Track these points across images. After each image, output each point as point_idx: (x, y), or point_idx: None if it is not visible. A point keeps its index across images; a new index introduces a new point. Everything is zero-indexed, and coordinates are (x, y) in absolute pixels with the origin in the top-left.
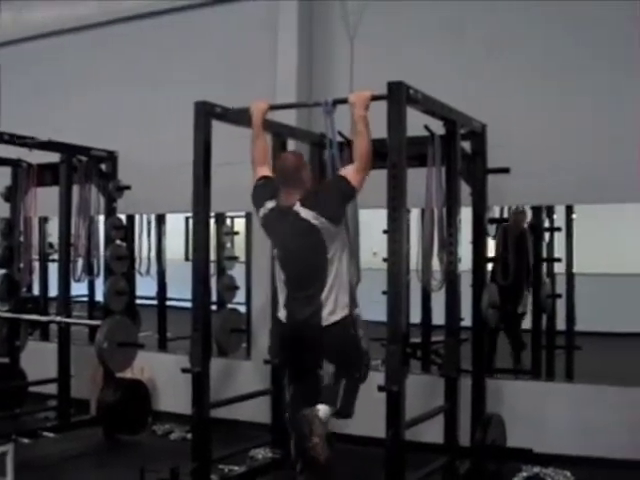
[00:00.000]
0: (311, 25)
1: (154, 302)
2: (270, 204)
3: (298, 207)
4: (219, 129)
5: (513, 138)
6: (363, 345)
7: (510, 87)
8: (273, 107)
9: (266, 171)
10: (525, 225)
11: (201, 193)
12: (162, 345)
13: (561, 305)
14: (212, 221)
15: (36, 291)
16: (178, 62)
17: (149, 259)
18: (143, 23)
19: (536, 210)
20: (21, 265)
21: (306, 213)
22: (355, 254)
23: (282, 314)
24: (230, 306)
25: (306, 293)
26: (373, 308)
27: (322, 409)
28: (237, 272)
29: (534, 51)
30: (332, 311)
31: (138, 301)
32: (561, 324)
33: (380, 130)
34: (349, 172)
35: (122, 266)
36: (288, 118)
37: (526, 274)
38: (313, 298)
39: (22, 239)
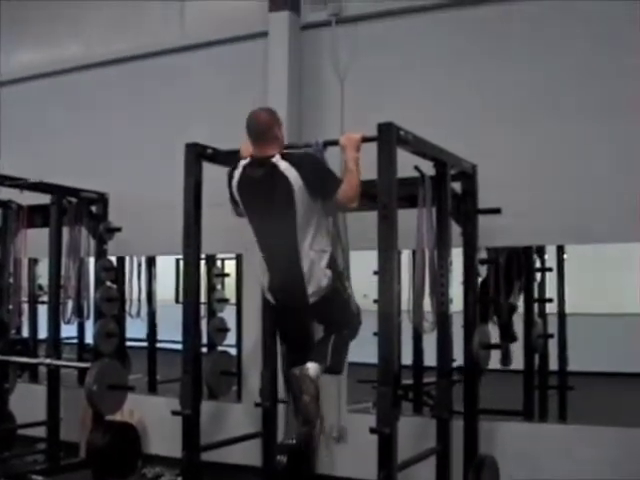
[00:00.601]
0: (301, 67)
1: (144, 344)
2: (243, 162)
3: (278, 159)
4: (210, 170)
5: (503, 178)
6: (352, 307)
7: (500, 128)
8: None
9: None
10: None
11: (192, 234)
12: (152, 388)
13: (553, 345)
14: (203, 263)
15: (25, 333)
16: (167, 104)
17: (139, 301)
18: (131, 65)
19: (527, 250)
20: (10, 307)
21: (285, 167)
22: (346, 255)
23: (269, 296)
24: (221, 348)
25: (284, 270)
26: (364, 350)
27: (312, 367)
28: (228, 314)
29: (522, 94)
30: (316, 287)
31: (128, 343)
32: (553, 364)
33: (370, 171)
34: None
35: (112, 308)
36: None
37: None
38: (293, 276)
39: (12, 280)
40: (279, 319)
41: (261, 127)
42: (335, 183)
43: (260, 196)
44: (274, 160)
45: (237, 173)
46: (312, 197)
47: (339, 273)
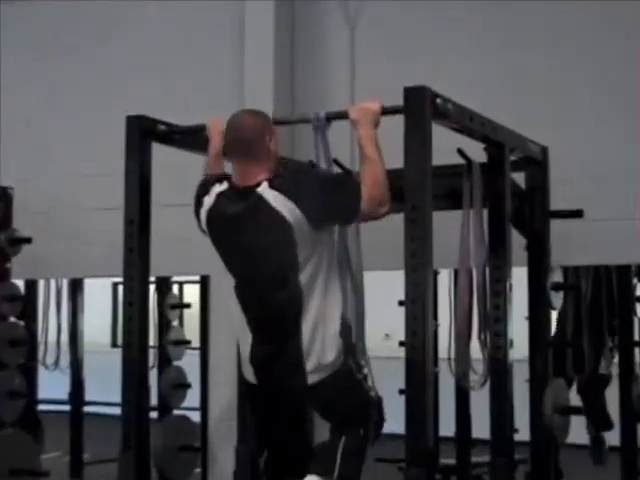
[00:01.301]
0: (293, 7)
1: (65, 407)
2: (217, 188)
3: (265, 189)
4: (162, 154)
5: (587, 168)
6: (369, 391)
7: (580, 96)
8: None
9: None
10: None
11: (136, 248)
12: (76, 472)
13: None
14: (152, 289)
15: None
16: (102, 61)
17: (59, 345)
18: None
19: (624, 271)
20: None
21: (276, 198)
22: (359, 289)
23: (248, 372)
24: (178, 412)
25: (275, 336)
26: (385, 414)
27: None
28: (188, 363)
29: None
30: (319, 363)
31: (42, 406)
32: None
33: (393, 158)
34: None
35: (17, 355)
36: None
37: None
38: (287, 344)
39: None
40: (260, 410)
41: (245, 138)
42: (353, 198)
43: (240, 240)
44: (260, 190)
45: (207, 201)
46: (319, 230)
47: (351, 344)
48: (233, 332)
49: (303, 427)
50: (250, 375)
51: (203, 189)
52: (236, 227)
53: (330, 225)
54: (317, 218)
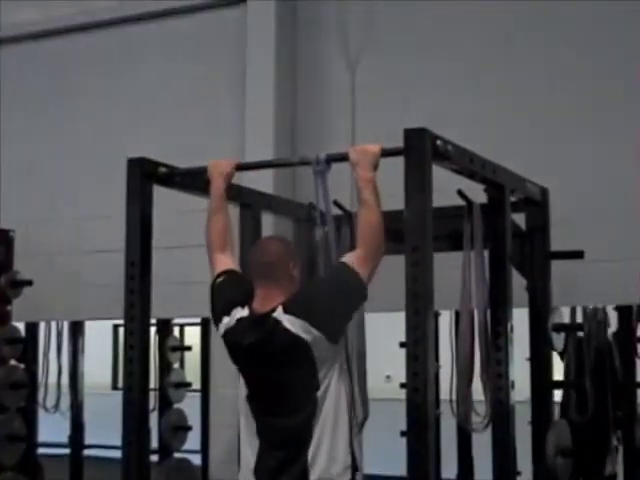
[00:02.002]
0: (294, 50)
1: (66, 451)
2: (239, 312)
3: (280, 314)
4: (163, 197)
5: (586, 208)
6: None
7: (580, 136)
8: (241, 167)
9: (228, 261)
10: (609, 334)
11: (137, 290)
12: None
13: None
14: (153, 331)
15: None
16: (102, 102)
17: (59, 387)
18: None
19: (624, 312)
20: None
21: (291, 322)
22: (361, 378)
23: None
24: (178, 455)
25: (285, 446)
26: (387, 456)
27: None
28: (189, 405)
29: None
30: (323, 475)
31: (41, 450)
32: None
33: (394, 199)
34: (353, 260)
35: (17, 398)
36: (263, 183)
37: (613, 408)
38: (296, 454)
39: None
40: None
41: (269, 262)
42: (357, 287)
43: (258, 366)
44: (275, 315)
45: (226, 321)
46: (333, 340)
47: (355, 465)
48: (233, 373)
49: None
50: None
51: (226, 301)
52: (252, 354)
53: (349, 314)
54: (331, 326)
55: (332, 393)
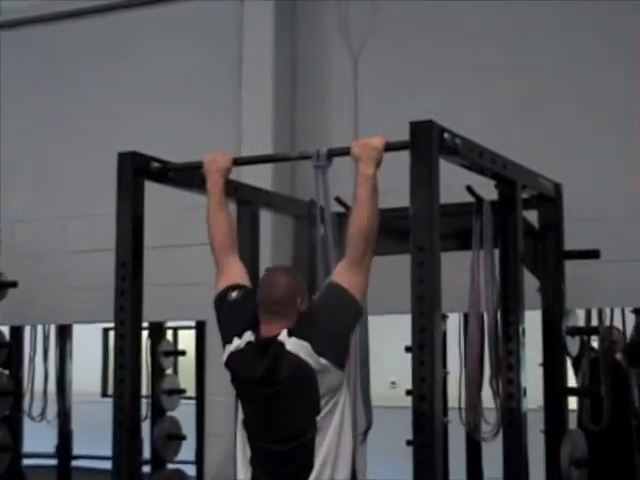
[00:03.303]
0: (294, 40)
1: (52, 461)
2: (249, 335)
3: (284, 337)
4: (156, 193)
5: (603, 205)
6: None
7: (596, 130)
8: (238, 162)
9: (240, 267)
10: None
11: (128, 292)
12: None
13: None
14: (145, 335)
15: None
16: (93, 95)
17: (45, 395)
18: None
19: None
20: None
21: (295, 345)
22: (365, 384)
23: None
24: (172, 466)
25: (284, 466)
26: (391, 467)
27: None
28: (183, 413)
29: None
30: None
31: (27, 461)
32: None
33: (399, 196)
34: (342, 276)
35: (2, 407)
36: (261, 179)
37: (632, 416)
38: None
39: None
40: None
41: (277, 298)
42: (347, 299)
43: (262, 385)
44: (280, 339)
45: (236, 342)
46: (340, 366)
47: None
48: (230, 387)
49: None
50: None
51: (236, 320)
52: (260, 388)
53: (348, 337)
54: (336, 352)
55: (336, 416)
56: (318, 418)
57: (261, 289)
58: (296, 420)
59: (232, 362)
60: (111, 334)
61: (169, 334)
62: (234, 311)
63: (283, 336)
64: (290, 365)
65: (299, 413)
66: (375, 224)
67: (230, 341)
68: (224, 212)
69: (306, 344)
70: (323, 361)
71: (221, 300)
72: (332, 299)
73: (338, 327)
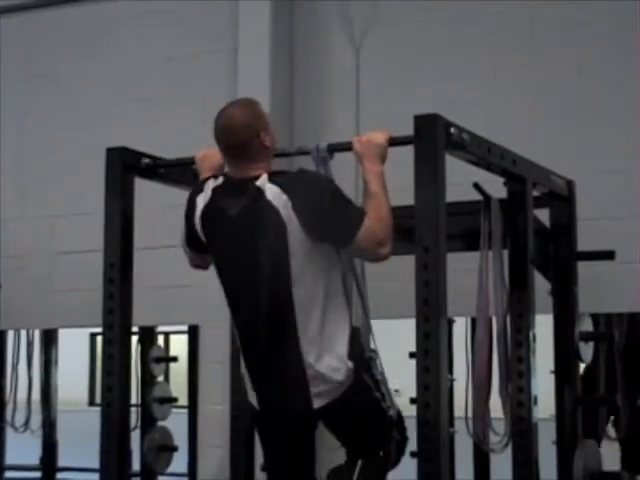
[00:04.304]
0: (292, 30)
1: (36, 474)
2: (213, 182)
3: (264, 181)
4: (146, 190)
5: (617, 204)
6: (388, 409)
7: (610, 125)
8: None
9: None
10: None
11: (116, 295)
12: None
13: None
14: (135, 340)
15: None
16: (81, 86)
17: (29, 404)
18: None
19: None
20: None
21: (273, 192)
22: (365, 328)
23: (252, 397)
24: (163, 479)
25: (272, 358)
26: (395, 479)
27: None
28: (175, 422)
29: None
30: (324, 385)
31: (10, 474)
32: None
33: (402, 194)
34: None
35: None
36: None
37: None
38: (286, 366)
39: None
40: (265, 438)
41: (237, 135)
42: (353, 219)
43: (236, 239)
44: (259, 183)
45: (201, 200)
46: (317, 241)
47: (365, 360)
48: (223, 390)
49: (308, 461)
50: (254, 401)
51: (194, 191)
52: (234, 226)
53: (321, 238)
54: (311, 226)
55: (317, 306)
56: (295, 292)
57: (217, 134)
58: (270, 282)
59: (204, 216)
60: (99, 339)
61: (160, 339)
62: (192, 192)
63: (262, 181)
64: (266, 212)
65: (272, 273)
66: (390, 217)
67: (195, 205)
68: None
69: (286, 199)
70: (292, 216)
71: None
72: (350, 200)
73: (333, 212)
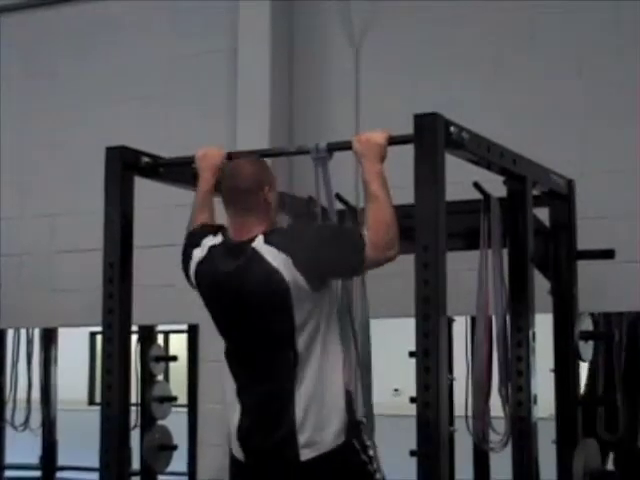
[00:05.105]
0: (291, 28)
1: (36, 473)
2: (211, 240)
3: (260, 244)
4: (146, 189)
5: (618, 203)
6: (374, 475)
7: (609, 123)
8: (232, 157)
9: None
10: None
11: (116, 294)
12: None
13: None
14: (134, 339)
15: None
16: (79, 86)
17: (29, 403)
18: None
19: None
20: None
21: (271, 253)
22: (366, 391)
23: (235, 447)
24: (163, 478)
25: (266, 405)
26: (394, 478)
27: None
28: (175, 421)
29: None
30: (314, 437)
31: (9, 473)
32: None
33: (402, 192)
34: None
35: None
36: None
37: None
38: (279, 414)
39: None
40: None
41: (242, 188)
42: (355, 248)
43: (232, 299)
44: (254, 245)
45: (198, 254)
46: (318, 290)
47: (356, 422)
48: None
49: None
50: (237, 451)
51: (193, 240)
52: (228, 285)
53: (331, 280)
54: (315, 277)
55: (316, 352)
56: (298, 340)
57: (224, 181)
58: (271, 334)
59: (200, 270)
60: (98, 338)
61: (160, 338)
62: (195, 235)
63: (258, 243)
64: (263, 271)
65: (274, 326)
66: (396, 219)
67: (190, 256)
68: (206, 212)
69: (285, 257)
70: (295, 272)
71: (188, 234)
72: (343, 230)
73: (332, 248)
